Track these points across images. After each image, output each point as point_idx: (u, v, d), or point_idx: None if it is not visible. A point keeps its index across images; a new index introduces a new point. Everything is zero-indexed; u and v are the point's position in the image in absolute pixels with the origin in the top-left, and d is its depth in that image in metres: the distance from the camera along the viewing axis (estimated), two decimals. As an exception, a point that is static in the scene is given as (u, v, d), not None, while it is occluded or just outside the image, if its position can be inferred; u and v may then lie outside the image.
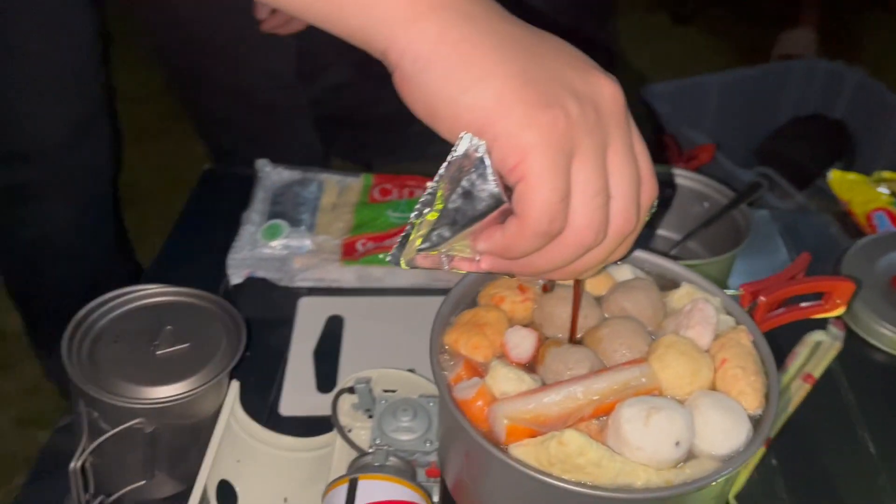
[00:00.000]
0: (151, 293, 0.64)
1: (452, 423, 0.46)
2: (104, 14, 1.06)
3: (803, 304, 0.61)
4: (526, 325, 0.52)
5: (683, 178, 0.90)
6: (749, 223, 0.82)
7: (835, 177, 0.96)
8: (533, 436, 0.44)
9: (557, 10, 1.63)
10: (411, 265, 0.43)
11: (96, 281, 1.11)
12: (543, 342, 0.50)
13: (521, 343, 0.50)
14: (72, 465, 0.55)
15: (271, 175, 0.97)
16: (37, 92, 0.95)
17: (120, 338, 0.61)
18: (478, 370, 0.49)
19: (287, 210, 0.91)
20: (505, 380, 0.46)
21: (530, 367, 0.50)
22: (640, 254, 0.57)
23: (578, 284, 0.50)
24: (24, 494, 0.63)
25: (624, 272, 0.56)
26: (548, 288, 0.53)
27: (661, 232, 0.92)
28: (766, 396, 0.47)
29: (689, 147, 1.46)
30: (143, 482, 0.62)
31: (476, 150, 0.38)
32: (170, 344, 0.61)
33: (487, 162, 0.38)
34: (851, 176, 0.97)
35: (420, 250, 0.42)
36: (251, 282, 0.86)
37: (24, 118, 0.96)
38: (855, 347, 0.81)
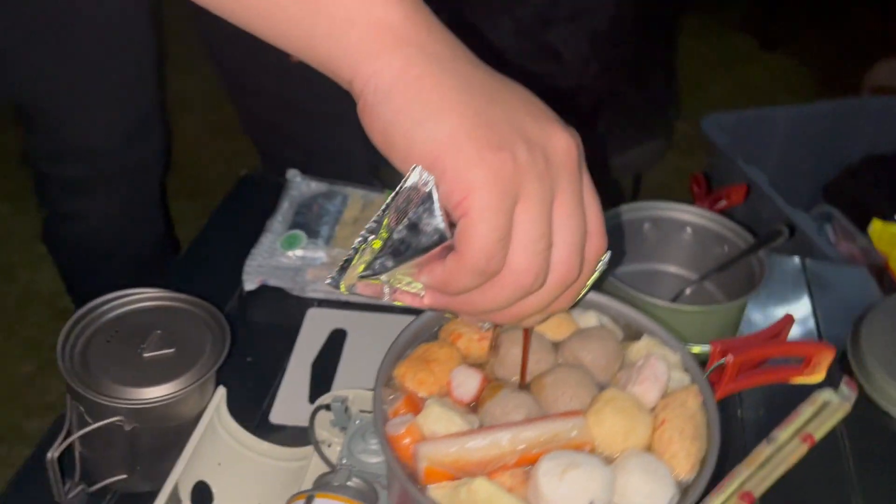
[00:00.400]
0: (147, 297, 0.68)
1: (384, 456, 0.47)
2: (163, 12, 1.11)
3: (785, 365, 0.59)
4: (480, 365, 0.53)
5: (704, 218, 0.87)
6: (763, 271, 0.79)
7: (875, 228, 0.92)
8: (452, 479, 0.44)
9: (619, 36, 1.61)
10: (351, 291, 0.44)
11: (142, 272, 1.17)
12: (490, 384, 0.51)
13: (465, 383, 0.50)
14: (49, 454, 0.59)
15: (300, 185, 1.00)
16: (94, 97, 1.01)
17: (112, 338, 0.65)
18: (419, 406, 0.49)
19: (309, 221, 0.94)
20: (436, 420, 0.47)
21: (474, 407, 0.50)
22: (607, 300, 0.56)
23: (527, 329, 0.50)
24: (21, 476, 0.68)
25: (589, 318, 0.55)
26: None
27: (677, 271, 0.90)
28: (703, 462, 0.46)
29: (740, 182, 1.41)
30: (124, 476, 0.65)
31: (425, 185, 0.39)
32: (157, 347, 0.64)
33: (435, 197, 0.39)
34: (894, 228, 0.92)
35: (362, 277, 0.43)
36: (265, 289, 0.88)
37: (82, 120, 1.02)
38: (865, 412, 0.77)
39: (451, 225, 0.40)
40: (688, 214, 0.88)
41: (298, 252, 0.90)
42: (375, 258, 0.41)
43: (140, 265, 1.17)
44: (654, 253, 0.90)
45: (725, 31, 2.89)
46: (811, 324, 0.88)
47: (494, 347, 0.53)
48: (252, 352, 0.82)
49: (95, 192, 1.08)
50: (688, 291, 0.88)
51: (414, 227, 0.40)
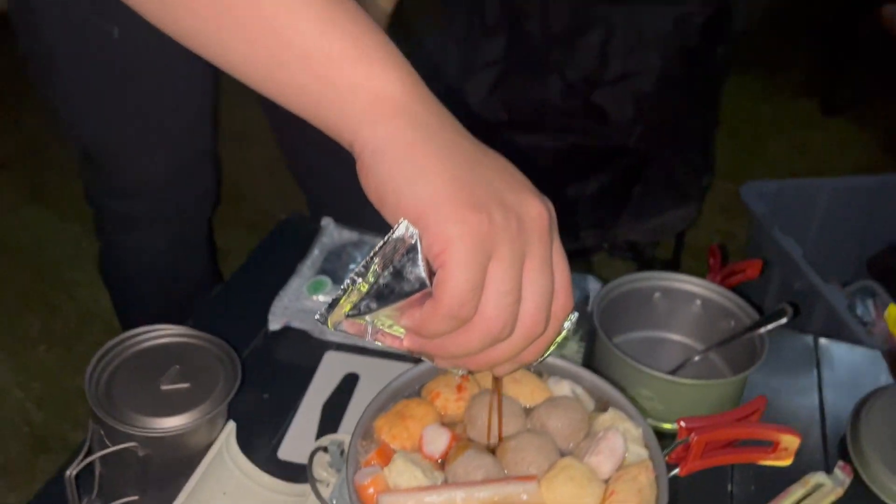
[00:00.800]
0: (169, 333, 0.74)
1: (350, 503, 0.51)
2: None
3: (755, 446, 0.61)
4: (455, 424, 0.57)
5: (713, 292, 0.90)
6: (763, 349, 0.81)
7: (891, 313, 0.92)
8: (407, 530, 0.48)
9: (663, 99, 1.65)
10: (337, 328, 0.47)
11: (184, 303, 1.25)
12: (458, 443, 0.55)
13: (435, 440, 0.54)
14: (68, 472, 0.65)
15: (332, 233, 1.06)
16: (151, 140, 1.10)
17: (136, 370, 0.71)
18: (390, 458, 0.53)
19: (336, 268, 1.00)
20: (400, 473, 0.51)
21: (443, 464, 0.54)
22: (581, 371, 0.59)
23: (498, 386, 0.54)
24: (45, 490, 0.74)
25: (563, 387, 0.59)
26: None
27: (684, 341, 0.92)
28: (646, 536, 0.49)
29: (775, 251, 1.42)
30: (136, 497, 0.71)
31: (411, 237, 0.43)
32: (174, 381, 0.70)
33: (419, 248, 0.43)
34: (909, 313, 0.92)
35: (348, 316, 0.47)
36: (289, 330, 0.94)
37: (137, 162, 1.10)
38: (858, 498, 0.77)
39: (431, 274, 0.44)
40: (697, 287, 0.90)
41: (322, 297, 0.96)
42: (361, 299, 0.45)
43: (183, 297, 1.24)
44: (663, 322, 0.93)
45: (787, 94, 2.88)
46: (815, 404, 0.88)
47: (469, 409, 0.57)
48: (269, 389, 0.88)
49: (146, 227, 1.16)
50: (696, 359, 0.90)
51: (398, 274, 0.44)
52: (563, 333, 0.49)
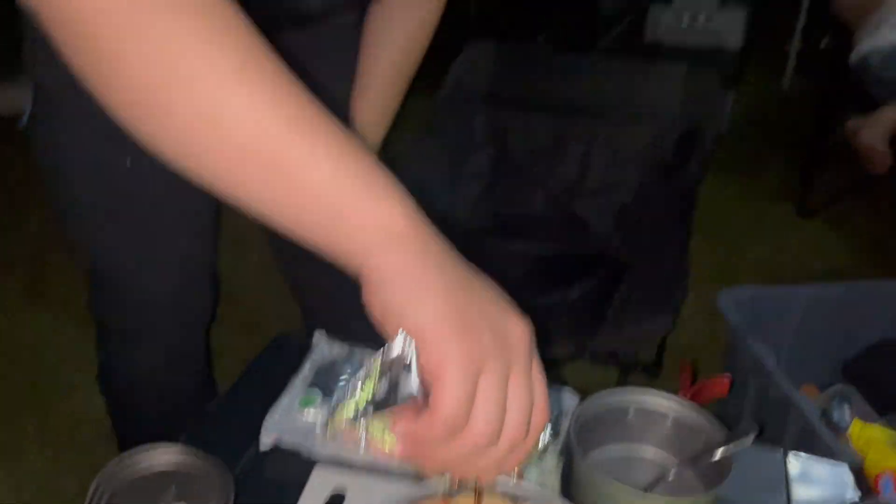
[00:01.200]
0: (168, 451, 0.78)
1: None
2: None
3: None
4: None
5: (685, 409, 0.94)
6: (729, 468, 0.85)
7: (854, 428, 0.97)
8: None
9: (642, 209, 1.73)
10: (336, 436, 0.53)
11: (178, 416, 1.28)
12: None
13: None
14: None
15: (323, 348, 1.11)
16: (159, 258, 1.15)
17: (135, 491, 0.75)
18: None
19: (327, 381, 1.04)
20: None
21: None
22: (555, 499, 0.64)
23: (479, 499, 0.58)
24: None
25: (536, 512, 0.63)
26: (454, 486, 0.61)
27: (659, 456, 0.97)
28: None
29: (750, 358, 1.47)
30: None
31: (407, 355, 0.49)
32: (170, 500, 0.74)
33: (414, 366, 0.49)
34: (872, 430, 0.97)
35: (346, 422, 0.51)
36: (279, 446, 0.98)
37: (145, 279, 1.15)
38: None
39: (425, 386, 0.49)
40: (670, 403, 0.95)
41: (313, 411, 1.00)
42: (360, 406, 0.50)
43: (178, 406, 1.28)
44: (639, 436, 0.97)
45: (764, 197, 2.99)
46: (785, 519, 0.92)
47: None
48: (260, 504, 0.91)
49: (147, 341, 1.21)
50: (672, 471, 0.94)
51: (394, 385, 0.49)
52: (539, 445, 0.54)
